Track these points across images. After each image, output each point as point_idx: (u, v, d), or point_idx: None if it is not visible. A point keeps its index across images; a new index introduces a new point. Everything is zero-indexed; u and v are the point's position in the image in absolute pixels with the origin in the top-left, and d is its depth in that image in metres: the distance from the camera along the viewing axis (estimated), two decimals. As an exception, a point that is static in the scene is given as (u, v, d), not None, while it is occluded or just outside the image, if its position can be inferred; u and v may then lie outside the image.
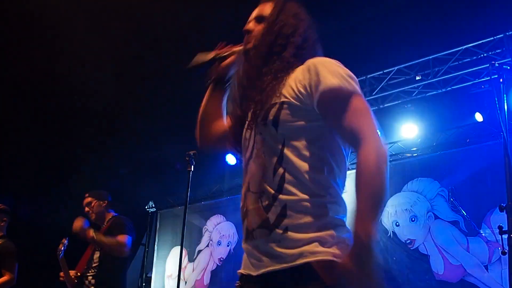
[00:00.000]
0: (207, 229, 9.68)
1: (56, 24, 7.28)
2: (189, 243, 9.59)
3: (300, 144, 1.75)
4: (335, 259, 1.63)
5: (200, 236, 9.72)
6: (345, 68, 1.82)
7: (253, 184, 1.80)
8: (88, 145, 9.62)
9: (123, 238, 4.69)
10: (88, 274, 4.71)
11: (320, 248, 1.64)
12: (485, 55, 6.73)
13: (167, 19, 7.33)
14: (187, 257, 9.61)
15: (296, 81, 1.82)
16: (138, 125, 9.58)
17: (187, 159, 4.85)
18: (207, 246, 9.58)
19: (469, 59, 6.90)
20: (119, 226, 4.81)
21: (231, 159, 9.38)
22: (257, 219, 1.75)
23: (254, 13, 2.08)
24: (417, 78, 7.30)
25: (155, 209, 10.92)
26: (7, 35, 7.51)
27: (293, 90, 1.80)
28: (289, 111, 1.77)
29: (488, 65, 6.52)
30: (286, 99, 1.79)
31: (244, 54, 2.03)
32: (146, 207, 10.97)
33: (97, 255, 4.74)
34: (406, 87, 7.42)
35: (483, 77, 6.84)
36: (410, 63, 7.29)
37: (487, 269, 6.01)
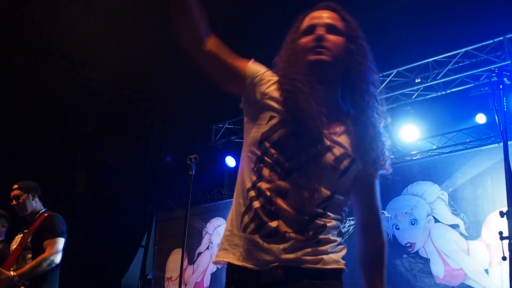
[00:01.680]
0: (207, 232, 9.67)
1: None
2: (189, 245, 9.58)
3: (346, 190, 1.93)
4: (344, 267, 1.88)
5: (200, 238, 9.71)
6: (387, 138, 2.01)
7: (295, 197, 1.81)
8: (89, 146, 9.64)
9: (49, 251, 4.43)
10: None
11: (339, 258, 1.86)
12: (484, 57, 6.73)
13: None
14: (187, 259, 9.60)
15: (372, 142, 1.93)
16: (139, 127, 9.60)
17: (188, 163, 4.85)
18: (207, 248, 9.57)
19: (468, 62, 6.91)
20: (51, 228, 4.55)
21: (230, 162, 9.38)
22: (294, 226, 1.79)
23: (324, 19, 1.96)
24: (417, 80, 7.30)
25: (155, 211, 10.91)
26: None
27: (365, 152, 1.91)
28: (354, 171, 1.90)
29: (487, 68, 6.58)
30: (354, 156, 1.89)
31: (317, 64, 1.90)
32: (146, 209, 10.96)
33: (29, 255, 4.48)
34: (405, 90, 7.42)
35: (483, 80, 6.84)
36: (409, 66, 7.29)
37: (487, 272, 6.00)
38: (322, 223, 1.82)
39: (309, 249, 1.78)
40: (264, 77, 1.95)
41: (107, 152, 9.85)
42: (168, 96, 8.75)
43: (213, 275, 9.30)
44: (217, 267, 9.20)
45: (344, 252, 1.88)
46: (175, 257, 10.02)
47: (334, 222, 1.85)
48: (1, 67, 7.81)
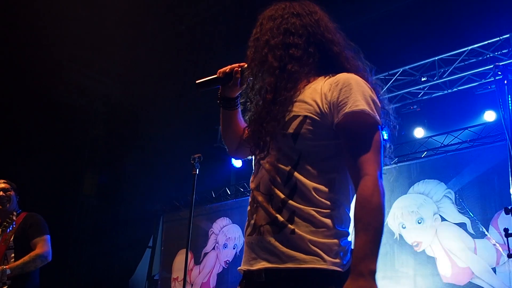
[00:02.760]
0: (213, 232, 9.67)
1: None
2: (195, 246, 9.59)
3: (315, 160, 1.80)
4: (336, 268, 1.70)
5: (206, 238, 9.71)
6: (372, 91, 1.83)
7: (263, 185, 1.85)
8: (96, 147, 9.67)
9: (41, 248, 4.45)
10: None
11: (324, 256, 1.70)
12: (491, 55, 6.69)
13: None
14: (193, 259, 9.60)
15: (322, 95, 1.82)
16: (144, 129, 9.62)
17: (192, 162, 4.84)
18: (213, 248, 9.57)
19: (474, 60, 6.87)
20: (37, 226, 4.55)
21: (237, 162, 9.37)
22: (266, 217, 1.80)
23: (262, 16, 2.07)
24: (423, 79, 7.27)
25: (161, 212, 10.93)
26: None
27: (318, 105, 1.81)
28: (310, 127, 1.79)
29: (493, 65, 6.55)
30: (309, 114, 1.80)
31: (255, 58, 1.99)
32: (153, 210, 10.97)
33: (12, 254, 4.44)
34: (411, 89, 7.39)
35: (489, 78, 6.80)
36: (415, 64, 7.25)
37: (495, 271, 5.96)
38: (292, 208, 1.76)
39: (282, 244, 1.74)
40: None
41: (114, 153, 9.87)
42: (174, 97, 8.77)
43: (219, 275, 9.30)
44: (223, 267, 9.20)
45: (337, 246, 1.74)
46: (181, 258, 10.03)
47: (310, 208, 1.75)
48: (8, 68, 7.85)
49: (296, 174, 1.78)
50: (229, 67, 2.08)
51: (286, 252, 1.72)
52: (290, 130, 1.80)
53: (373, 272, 1.59)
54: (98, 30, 8.22)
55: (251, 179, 1.97)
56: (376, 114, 1.76)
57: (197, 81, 2.13)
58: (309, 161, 1.79)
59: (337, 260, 1.72)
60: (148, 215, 11.04)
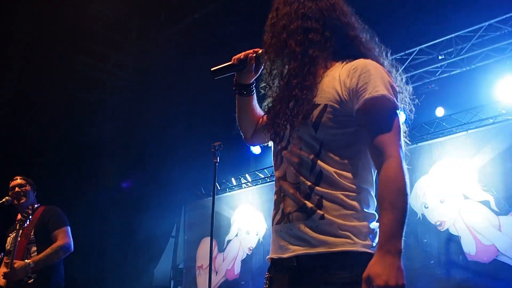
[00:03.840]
0: (235, 219, 9.73)
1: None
2: (218, 233, 9.67)
3: (337, 147, 1.83)
4: (367, 250, 1.74)
5: (229, 226, 9.78)
6: (390, 76, 1.84)
7: (290, 175, 1.88)
8: (115, 137, 9.74)
9: (63, 239, 4.52)
10: None
11: (355, 239, 1.74)
12: (509, 29, 6.58)
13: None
14: (217, 247, 9.68)
15: (341, 82, 1.83)
16: (164, 118, 9.66)
17: (212, 150, 4.87)
18: (236, 235, 9.63)
19: (492, 35, 6.76)
20: (57, 218, 4.64)
21: (256, 149, 9.39)
22: (295, 204, 1.83)
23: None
24: (440, 57, 7.19)
25: (183, 202, 11.01)
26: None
27: (338, 93, 1.83)
28: (331, 115, 1.82)
29: (512, 40, 6.44)
30: (329, 102, 1.82)
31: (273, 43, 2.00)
32: (174, 200, 11.05)
33: (34, 248, 4.51)
34: (429, 67, 7.32)
35: (508, 52, 6.71)
36: (432, 43, 7.17)
37: (520, 248, 5.93)
38: (320, 193, 1.79)
39: (312, 229, 1.77)
40: None
41: (133, 145, 9.94)
42: (192, 85, 8.78)
43: (243, 261, 9.37)
44: (247, 254, 9.26)
45: (367, 229, 1.78)
46: (204, 246, 10.12)
47: (338, 192, 1.79)
48: (20, 62, 7.93)
49: (319, 162, 1.81)
50: (243, 53, 2.10)
51: (316, 237, 1.75)
52: (311, 120, 1.83)
53: (400, 251, 1.62)
54: (112, 23, 8.27)
55: (274, 168, 2.00)
56: (395, 98, 1.78)
57: (212, 68, 2.15)
58: (331, 149, 1.82)
59: (367, 242, 1.76)
60: (171, 205, 11.12)
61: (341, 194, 1.78)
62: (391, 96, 1.76)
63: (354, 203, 1.78)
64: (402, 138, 1.79)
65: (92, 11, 7.87)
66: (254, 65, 2.09)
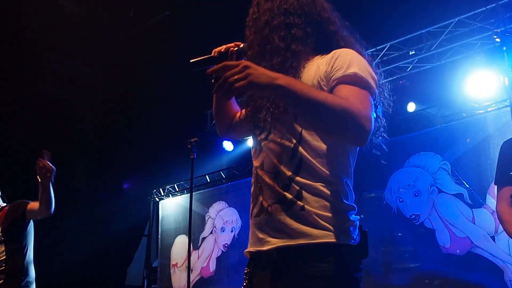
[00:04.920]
0: (210, 216, 9.70)
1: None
2: (193, 231, 9.61)
3: (317, 135, 1.81)
4: (348, 242, 1.74)
5: (203, 223, 9.75)
6: (370, 66, 1.84)
7: (268, 164, 1.87)
8: (88, 136, 9.61)
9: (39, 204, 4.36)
10: None
11: (335, 231, 1.73)
12: (478, 25, 6.70)
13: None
14: (191, 245, 9.64)
15: (320, 70, 1.84)
16: (136, 113, 9.57)
17: (189, 146, 4.85)
18: (211, 233, 9.61)
19: (462, 31, 6.88)
20: (21, 202, 4.50)
21: (228, 146, 9.37)
22: (273, 196, 1.81)
23: None
24: (411, 53, 7.28)
25: (156, 199, 10.92)
26: None
27: (317, 80, 1.83)
28: None
29: (481, 35, 6.57)
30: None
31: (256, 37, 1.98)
32: (148, 197, 10.96)
33: (2, 248, 4.40)
34: (400, 63, 7.40)
35: (477, 48, 6.83)
36: (403, 38, 7.25)
37: (493, 239, 6.04)
38: (300, 184, 1.78)
39: (292, 221, 1.75)
40: None
41: (105, 142, 9.82)
42: (163, 83, 8.70)
43: (218, 259, 9.36)
44: (222, 251, 9.25)
45: (347, 221, 1.77)
46: (179, 244, 10.07)
47: (318, 183, 1.77)
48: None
49: (300, 149, 1.80)
50: (224, 46, 2.06)
51: (297, 229, 1.74)
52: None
53: (278, 84, 1.60)
54: (82, 19, 8.12)
55: (253, 159, 1.99)
56: (371, 80, 1.77)
57: (191, 60, 2.09)
58: (312, 137, 1.81)
59: (348, 234, 1.75)
60: (143, 203, 11.03)
61: (320, 186, 1.76)
62: (364, 76, 1.74)
63: (335, 194, 1.77)
64: (373, 116, 1.74)
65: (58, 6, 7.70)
66: (235, 59, 2.04)
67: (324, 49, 1.92)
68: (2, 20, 7.33)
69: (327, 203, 1.75)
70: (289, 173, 1.79)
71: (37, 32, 7.68)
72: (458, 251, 6.34)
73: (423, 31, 7.07)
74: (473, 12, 6.71)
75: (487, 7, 6.60)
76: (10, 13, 7.19)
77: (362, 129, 1.62)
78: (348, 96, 1.68)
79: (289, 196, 1.77)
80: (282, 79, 1.62)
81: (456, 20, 6.82)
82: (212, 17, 7.65)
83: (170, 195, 10.61)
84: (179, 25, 8.18)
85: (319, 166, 1.78)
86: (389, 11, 7.23)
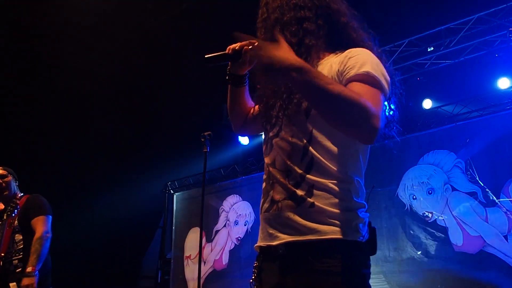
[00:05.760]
0: (223, 209, 9.73)
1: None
2: (207, 223, 9.67)
3: (327, 134, 1.81)
4: (356, 239, 1.75)
5: (217, 216, 9.78)
6: (383, 65, 1.82)
7: (279, 162, 1.87)
8: (105, 129, 9.69)
9: (39, 229, 4.46)
10: (13, 258, 4.46)
11: (344, 228, 1.74)
12: (498, 23, 6.62)
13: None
14: (205, 237, 9.68)
15: (333, 69, 1.83)
16: (153, 107, 9.62)
17: (202, 140, 4.85)
18: (224, 226, 9.64)
19: (481, 28, 6.80)
20: (37, 206, 4.59)
21: (244, 140, 9.39)
22: (284, 192, 1.82)
23: None
24: (429, 49, 7.22)
25: (171, 192, 10.99)
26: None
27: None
28: None
29: (501, 33, 6.49)
30: None
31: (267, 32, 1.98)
32: (163, 190, 11.04)
33: (19, 237, 4.51)
34: (418, 59, 7.34)
35: (496, 46, 6.76)
36: (421, 35, 7.19)
37: (506, 239, 5.98)
38: (311, 182, 1.79)
39: (301, 217, 1.76)
40: None
41: (122, 135, 9.90)
42: (180, 76, 8.74)
43: (231, 252, 9.39)
44: (235, 244, 9.28)
45: (357, 218, 1.79)
46: (193, 236, 10.12)
47: (328, 180, 1.78)
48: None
49: (311, 148, 1.81)
50: (239, 44, 2.04)
51: (306, 225, 1.75)
52: (304, 106, 1.83)
53: (293, 67, 1.60)
54: (96, 13, 8.17)
55: (264, 155, 2.00)
56: (383, 80, 1.76)
57: (206, 56, 2.10)
58: (323, 136, 1.81)
59: (357, 231, 1.76)
60: (159, 195, 11.11)
61: (331, 183, 1.77)
62: (376, 75, 1.73)
63: (345, 192, 1.78)
64: (384, 117, 1.77)
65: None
66: (249, 57, 2.04)
67: (336, 42, 1.92)
68: (18, 16, 7.43)
69: (337, 200, 1.76)
70: (301, 171, 1.80)
71: (55, 24, 7.76)
72: (470, 250, 6.29)
73: (442, 27, 7.01)
74: (493, 9, 6.64)
75: (508, 4, 6.53)
76: (26, 7, 7.28)
77: (372, 126, 1.62)
78: (361, 93, 1.67)
79: (300, 193, 1.78)
80: (303, 63, 1.62)
81: (476, 17, 6.76)
82: (229, 12, 7.65)
83: (184, 187, 10.66)
84: (195, 19, 8.20)
85: (329, 164, 1.79)
86: (408, 7, 7.18)
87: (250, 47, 2.03)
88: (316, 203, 1.75)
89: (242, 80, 2.17)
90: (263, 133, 2.09)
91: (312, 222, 1.74)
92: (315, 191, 1.77)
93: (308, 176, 1.79)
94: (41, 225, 4.49)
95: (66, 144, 9.34)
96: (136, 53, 8.60)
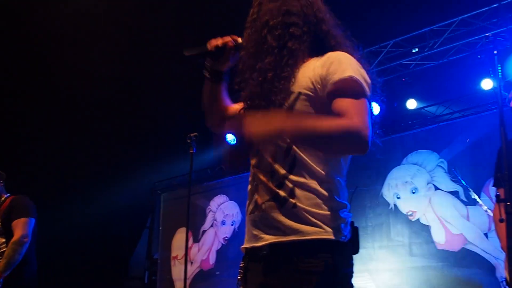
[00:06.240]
0: (210, 209, 9.75)
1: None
2: (194, 224, 9.68)
3: None
4: (338, 239, 1.79)
5: (204, 216, 9.80)
6: (361, 67, 1.87)
7: (263, 163, 1.90)
8: (90, 128, 9.66)
9: (17, 232, 4.34)
10: None
11: (326, 228, 1.77)
12: (481, 25, 6.71)
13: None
14: (192, 238, 9.70)
15: (315, 72, 1.87)
16: (140, 107, 9.60)
17: (188, 141, 4.88)
18: (212, 226, 9.66)
19: (465, 30, 6.89)
20: (19, 208, 4.47)
21: (231, 139, 9.42)
22: (267, 193, 1.85)
23: None
24: (414, 50, 7.30)
25: (158, 192, 10.99)
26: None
27: (311, 81, 1.86)
28: (305, 102, 1.85)
29: (483, 35, 6.58)
30: (303, 90, 1.86)
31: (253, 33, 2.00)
32: (150, 190, 11.03)
33: (2, 240, 4.42)
34: (403, 60, 7.42)
35: (479, 48, 6.85)
36: (406, 36, 7.26)
37: (487, 237, 6.07)
38: (293, 183, 1.81)
39: (285, 218, 1.79)
40: None
41: (110, 134, 9.88)
42: (167, 75, 8.74)
43: (219, 252, 9.41)
44: (222, 244, 9.31)
45: (339, 218, 1.82)
46: (180, 236, 10.13)
47: (311, 180, 1.81)
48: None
49: (294, 148, 1.83)
50: (221, 40, 2.05)
51: (289, 226, 1.77)
52: (286, 107, 1.86)
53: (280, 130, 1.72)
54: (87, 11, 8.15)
55: (250, 158, 2.01)
56: (364, 84, 1.80)
57: (185, 52, 2.05)
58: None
59: (339, 231, 1.79)
60: (145, 195, 11.09)
61: (313, 183, 1.80)
62: (359, 79, 1.78)
63: (327, 192, 1.81)
64: (371, 121, 1.78)
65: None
66: (231, 54, 2.05)
67: (317, 48, 1.96)
68: (11, 14, 7.42)
69: (319, 201, 1.79)
70: (283, 172, 1.83)
71: (46, 25, 7.74)
72: (452, 248, 6.38)
73: (427, 29, 7.07)
74: (476, 12, 6.71)
75: (490, 7, 6.61)
76: (22, 7, 7.27)
77: (365, 141, 1.69)
78: (347, 109, 1.73)
79: (282, 194, 1.81)
80: (283, 122, 1.72)
81: (459, 19, 6.83)
82: (217, 8, 7.65)
83: (171, 188, 10.67)
84: (185, 17, 8.20)
85: (312, 164, 1.82)
86: (393, 8, 7.25)
87: (233, 44, 2.04)
88: (298, 203, 1.78)
89: (222, 76, 2.15)
90: None
91: (295, 223, 1.77)
92: (297, 192, 1.79)
93: (290, 176, 1.81)
94: (20, 229, 4.36)
95: (53, 144, 9.30)
96: (122, 53, 8.60)
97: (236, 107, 2.19)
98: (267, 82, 1.92)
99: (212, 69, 2.14)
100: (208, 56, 2.08)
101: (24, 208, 4.53)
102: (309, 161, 1.82)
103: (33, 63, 8.21)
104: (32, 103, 8.69)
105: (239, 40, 2.05)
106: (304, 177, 1.81)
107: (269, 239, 1.81)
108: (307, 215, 1.76)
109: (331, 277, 1.74)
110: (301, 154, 1.82)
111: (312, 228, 1.75)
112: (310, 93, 1.85)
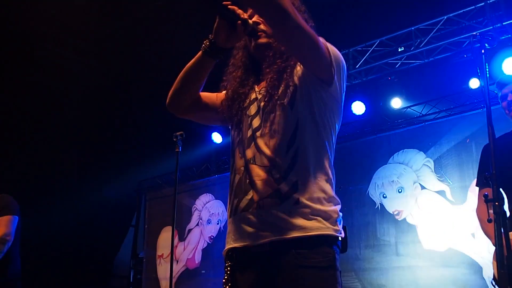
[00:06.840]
0: (196, 208, 9.71)
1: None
2: (179, 222, 9.63)
3: (310, 128, 1.86)
4: (336, 234, 1.81)
5: (190, 215, 9.75)
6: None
7: (262, 158, 1.86)
8: (76, 127, 9.57)
9: (2, 228, 4.24)
10: None
11: (326, 223, 1.78)
12: (467, 24, 6.72)
13: None
14: (177, 236, 9.65)
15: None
16: (125, 105, 9.53)
17: (174, 140, 4.84)
18: (197, 225, 9.62)
19: (451, 29, 6.90)
20: (3, 205, 4.38)
21: (217, 138, 9.37)
22: (267, 189, 1.82)
23: None
24: (400, 49, 7.30)
25: (144, 190, 10.92)
26: None
27: (302, 73, 1.90)
28: (302, 94, 1.87)
29: (469, 34, 6.59)
30: (299, 83, 1.88)
31: (251, 31, 1.96)
32: (135, 188, 10.96)
33: None
34: (389, 59, 7.41)
35: (465, 47, 6.86)
36: (392, 35, 7.26)
37: (474, 236, 6.09)
38: (296, 177, 1.80)
39: (286, 214, 1.77)
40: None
41: (93, 132, 9.79)
42: (152, 73, 8.67)
43: (204, 251, 9.38)
44: (208, 243, 9.27)
45: (336, 213, 1.83)
46: (165, 235, 10.08)
47: (312, 175, 1.82)
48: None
49: (296, 143, 1.83)
50: (240, 11, 1.93)
51: (291, 222, 1.76)
52: (287, 99, 1.87)
53: None
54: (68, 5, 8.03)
55: (236, 155, 1.99)
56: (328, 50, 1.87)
57: (225, 4, 1.89)
58: (307, 127, 1.86)
59: (336, 226, 1.81)
60: (130, 194, 11.03)
61: (314, 178, 1.80)
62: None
63: (326, 187, 1.82)
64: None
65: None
66: (240, 27, 1.91)
67: None
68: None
69: (320, 195, 1.80)
70: (285, 166, 1.81)
71: (28, 20, 7.63)
72: (439, 247, 6.38)
73: (413, 28, 7.08)
74: (462, 11, 6.73)
75: (476, 6, 6.63)
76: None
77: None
78: None
79: (284, 189, 1.79)
80: None
81: (445, 18, 6.84)
82: (207, 8, 7.58)
83: (157, 186, 10.61)
84: (170, 14, 8.12)
85: (313, 159, 1.82)
86: (379, 7, 7.24)
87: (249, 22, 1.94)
88: (301, 198, 1.77)
89: (223, 53, 2.03)
90: (231, 128, 2.08)
91: (297, 219, 1.76)
92: (299, 187, 1.79)
93: (292, 172, 1.80)
94: (3, 226, 4.28)
95: (36, 141, 9.19)
96: (107, 51, 8.51)
97: (208, 95, 2.16)
98: (262, 73, 2.01)
99: (216, 42, 2.00)
100: (234, 22, 1.91)
101: (7, 206, 4.43)
102: (311, 156, 1.82)
103: (15, 61, 8.08)
104: (16, 100, 8.58)
105: (251, 22, 1.95)
106: (306, 172, 1.81)
107: (268, 236, 1.78)
108: (309, 210, 1.77)
109: (333, 271, 1.76)
110: (303, 147, 1.82)
111: (314, 223, 1.76)
112: (304, 84, 1.90)
